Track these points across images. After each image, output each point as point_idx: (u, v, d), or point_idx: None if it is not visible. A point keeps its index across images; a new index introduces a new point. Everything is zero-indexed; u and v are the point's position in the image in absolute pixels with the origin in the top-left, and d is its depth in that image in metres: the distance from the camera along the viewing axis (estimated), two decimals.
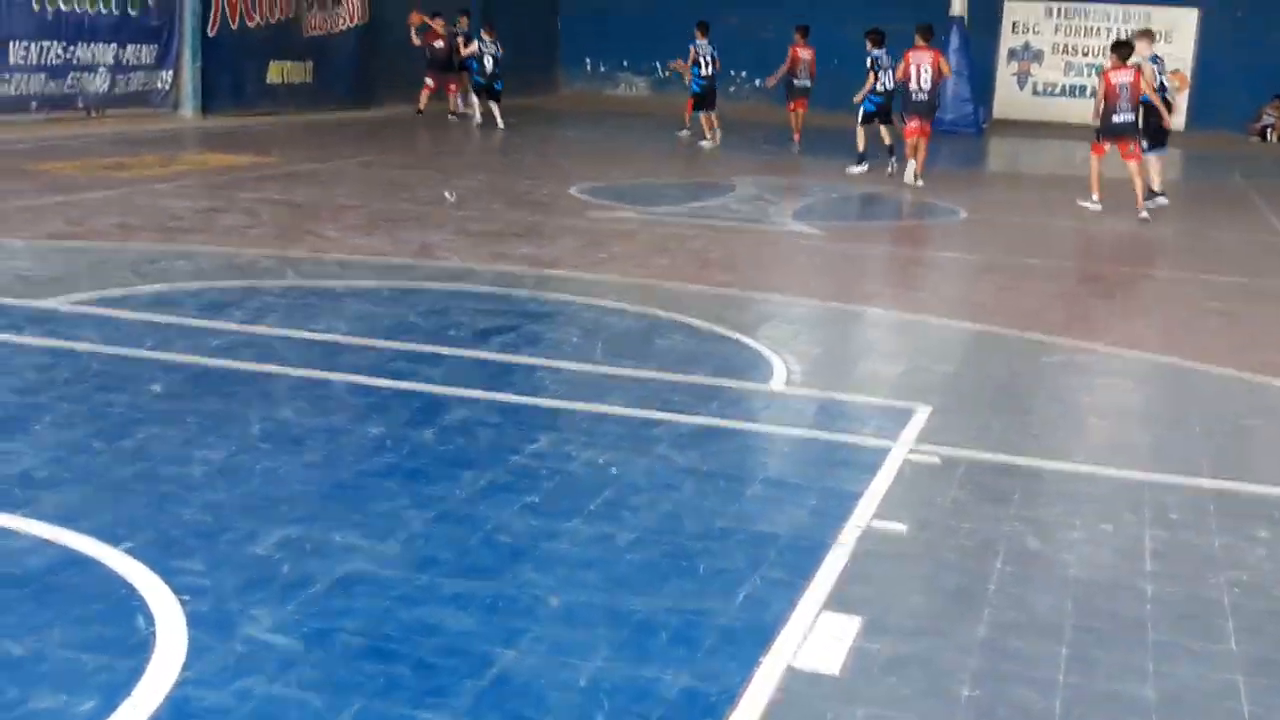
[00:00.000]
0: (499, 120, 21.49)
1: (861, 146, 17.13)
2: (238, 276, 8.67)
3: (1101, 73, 14.69)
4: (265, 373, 6.31)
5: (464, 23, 22.62)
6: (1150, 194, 14.41)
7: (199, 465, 4.95)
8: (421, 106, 22.80)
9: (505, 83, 22.30)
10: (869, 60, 17.27)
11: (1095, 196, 14.33)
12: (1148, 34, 15.55)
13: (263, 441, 5.28)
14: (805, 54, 20.08)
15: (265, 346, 6.81)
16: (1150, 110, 14.45)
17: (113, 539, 4.21)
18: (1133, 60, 14.17)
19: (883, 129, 17.32)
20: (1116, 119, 14.04)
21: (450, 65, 22.83)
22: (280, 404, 5.81)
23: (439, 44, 22.77)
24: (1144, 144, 14.43)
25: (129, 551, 4.12)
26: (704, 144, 20.19)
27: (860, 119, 17.33)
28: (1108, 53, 15.09)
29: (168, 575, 3.96)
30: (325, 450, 5.22)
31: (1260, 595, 4.34)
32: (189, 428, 5.39)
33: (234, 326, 7.18)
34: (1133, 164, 13.98)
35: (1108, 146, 14.15)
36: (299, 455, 5.14)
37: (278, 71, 21.93)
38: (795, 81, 20.19)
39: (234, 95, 20.87)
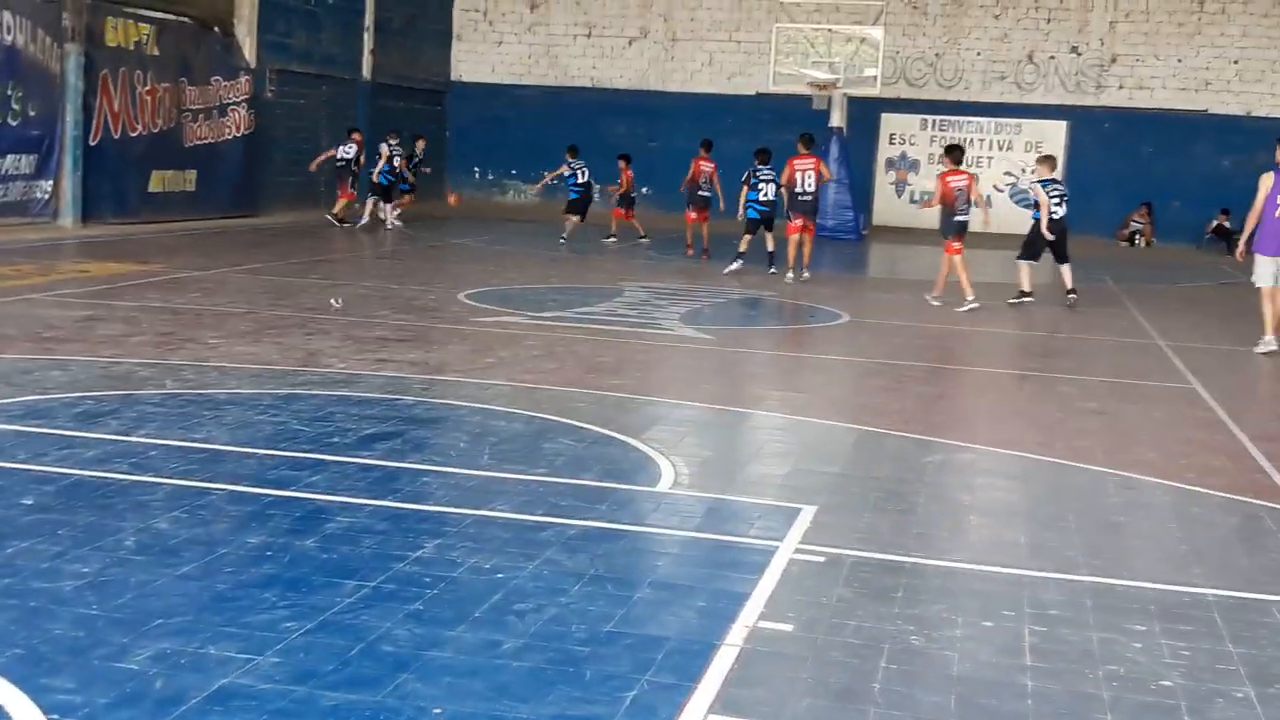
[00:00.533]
0: (387, 220, 22.92)
1: (743, 248, 18.02)
2: (115, 386, 8.50)
3: (939, 176, 16.21)
4: (141, 483, 6.17)
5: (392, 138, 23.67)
6: (1021, 294, 16.09)
7: (70, 579, 4.81)
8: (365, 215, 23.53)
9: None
10: (747, 174, 18.53)
11: (969, 297, 15.25)
12: (1049, 160, 16.65)
13: (137, 553, 5.15)
14: (707, 166, 20.70)
15: (142, 456, 6.66)
16: (1035, 223, 16.22)
17: None
18: (1031, 181, 16.01)
19: (767, 235, 18.28)
20: (959, 219, 15.68)
21: (349, 175, 23.36)
22: (156, 514, 5.67)
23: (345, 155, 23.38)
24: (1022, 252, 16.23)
25: None
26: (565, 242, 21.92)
27: (746, 227, 18.31)
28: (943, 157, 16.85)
29: (35, 694, 3.83)
30: (202, 561, 5.10)
31: (1138, 688, 4.41)
32: (61, 540, 5.24)
33: (109, 436, 7.03)
34: (956, 259, 15.57)
35: (957, 244, 15.62)
36: (175, 567, 5.01)
37: (158, 180, 21.74)
38: (699, 193, 20.67)
39: (115, 204, 20.65)
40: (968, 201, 15.59)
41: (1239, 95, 29.69)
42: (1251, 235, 13.17)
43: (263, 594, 4.77)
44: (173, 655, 4.17)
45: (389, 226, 23.07)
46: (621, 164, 23.17)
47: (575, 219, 22.25)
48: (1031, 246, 16.27)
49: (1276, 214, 12.68)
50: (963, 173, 15.87)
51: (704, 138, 21.71)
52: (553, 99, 32.25)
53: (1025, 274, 16.18)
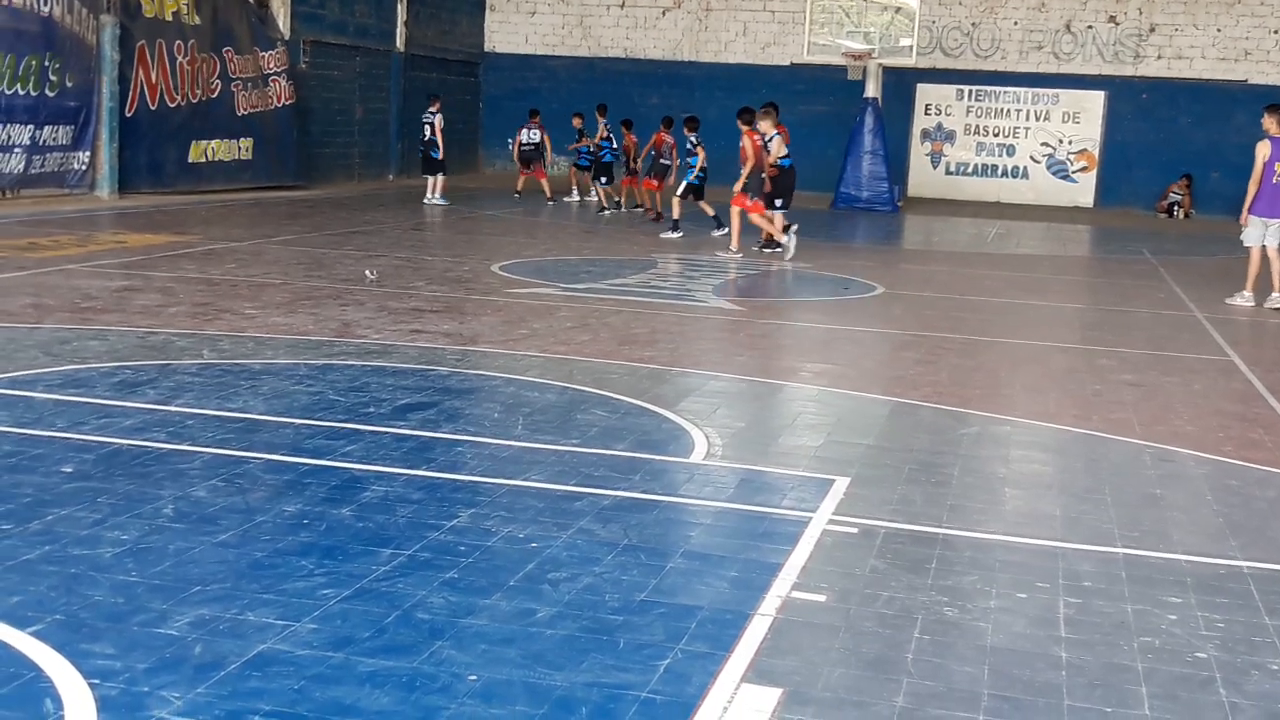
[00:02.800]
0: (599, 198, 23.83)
1: (677, 214, 19.14)
2: (152, 356, 8.57)
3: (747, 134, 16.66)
4: (179, 451, 6.23)
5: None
6: (771, 242, 16.99)
7: (110, 546, 4.87)
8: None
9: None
10: (690, 142, 19.89)
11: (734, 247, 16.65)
12: (769, 112, 17.25)
13: (176, 521, 5.20)
14: (668, 139, 22.03)
15: (179, 425, 6.72)
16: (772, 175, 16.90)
17: (20, 622, 4.12)
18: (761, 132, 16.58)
19: (701, 203, 19.61)
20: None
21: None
22: (194, 483, 5.73)
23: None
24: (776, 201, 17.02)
25: (37, 634, 4.03)
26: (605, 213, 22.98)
27: (680, 192, 19.31)
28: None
29: (76, 658, 3.88)
30: (240, 529, 5.15)
31: (1173, 660, 4.40)
32: (100, 508, 5.30)
33: (147, 406, 7.09)
34: (751, 215, 16.43)
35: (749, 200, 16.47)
36: (213, 534, 5.07)
37: (200, 151, 21.86)
38: (660, 161, 22.13)
39: (152, 175, 20.77)
40: (757, 166, 16.35)
41: (1279, 65, 29.30)
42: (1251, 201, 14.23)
43: (300, 561, 4.82)
44: (211, 621, 4.21)
45: (603, 206, 23.53)
46: (623, 129, 24.23)
47: (607, 186, 23.68)
48: (774, 193, 16.89)
49: (1274, 180, 14.05)
50: (753, 133, 16.52)
51: (665, 115, 23.42)
52: (586, 69, 32.19)
53: (779, 221, 16.86)
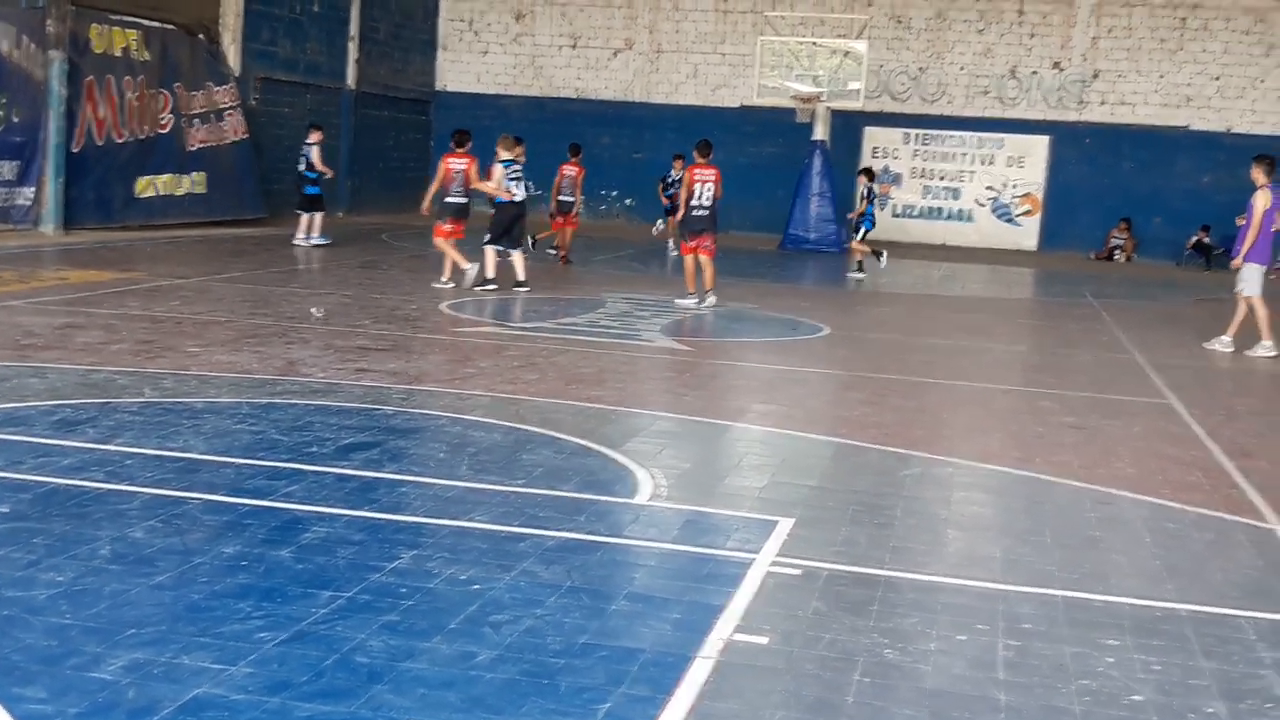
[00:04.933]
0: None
1: (860, 257, 21.19)
2: (93, 394, 8.48)
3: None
4: (117, 492, 6.16)
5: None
6: (486, 281, 16.18)
7: (44, 588, 4.80)
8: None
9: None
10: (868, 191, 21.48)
11: (445, 277, 16.20)
12: (507, 139, 16.80)
13: (112, 563, 5.14)
14: (570, 171, 20.82)
15: (118, 465, 6.65)
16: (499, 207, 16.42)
17: None
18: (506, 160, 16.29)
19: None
20: (449, 200, 16.37)
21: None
22: (132, 523, 5.66)
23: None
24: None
25: None
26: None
27: (859, 238, 21.26)
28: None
29: (9, 702, 3.82)
30: (177, 570, 5.09)
31: (1110, 703, 4.43)
32: (35, 549, 5.23)
33: (86, 445, 7.01)
34: (441, 241, 16.16)
35: (448, 226, 16.30)
36: (150, 576, 5.01)
37: (147, 185, 21.72)
38: (559, 198, 20.83)
39: (99, 210, 20.63)
40: (463, 185, 16.18)
41: (1220, 111, 29.88)
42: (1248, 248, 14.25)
43: (237, 604, 4.77)
44: (146, 665, 4.16)
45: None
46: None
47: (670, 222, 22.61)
48: (500, 230, 16.39)
49: (1273, 229, 14.15)
50: (462, 155, 16.38)
51: (572, 142, 22.01)
52: (537, 109, 32.32)
53: (490, 260, 16.34)
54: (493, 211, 16.56)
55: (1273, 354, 13.98)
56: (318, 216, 20.95)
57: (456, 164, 16.35)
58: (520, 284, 16.10)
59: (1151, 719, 4.32)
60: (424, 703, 4.03)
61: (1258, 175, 14.32)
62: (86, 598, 4.73)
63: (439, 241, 16.38)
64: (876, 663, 4.64)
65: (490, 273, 16.26)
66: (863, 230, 21.49)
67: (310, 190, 20.90)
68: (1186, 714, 4.38)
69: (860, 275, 21.55)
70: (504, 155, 16.42)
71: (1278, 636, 5.20)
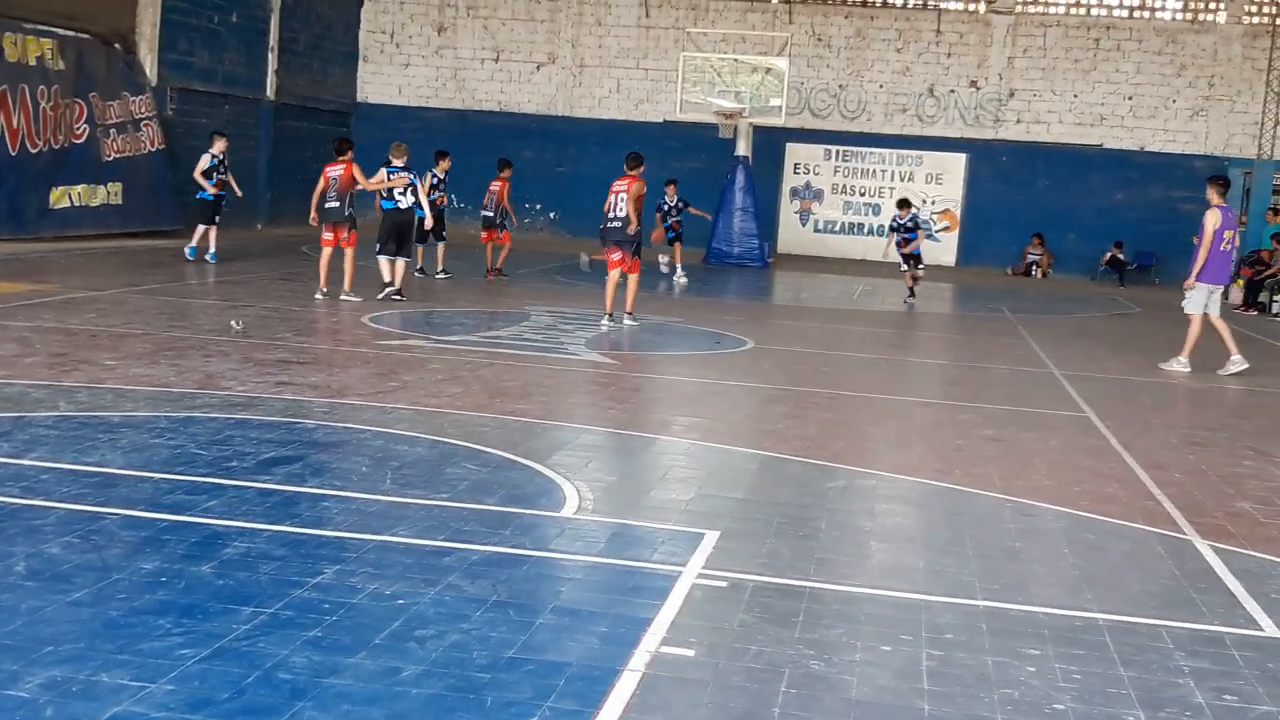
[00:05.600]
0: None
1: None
2: (6, 408, 8.30)
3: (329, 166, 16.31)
4: (32, 507, 6.03)
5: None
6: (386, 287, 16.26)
7: None
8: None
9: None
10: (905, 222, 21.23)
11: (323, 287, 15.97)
12: (400, 148, 17.02)
13: (28, 579, 5.03)
14: (494, 185, 20.48)
15: (33, 480, 6.51)
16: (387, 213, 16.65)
17: None
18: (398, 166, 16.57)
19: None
20: (327, 205, 16.13)
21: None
22: (48, 539, 5.54)
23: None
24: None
25: None
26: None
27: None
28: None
29: None
30: (95, 587, 4.99)
31: (1031, 712, 4.49)
32: None
33: (0, 459, 6.85)
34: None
35: (328, 234, 16.15)
36: (66, 593, 4.90)
37: (62, 195, 21.34)
38: (483, 213, 20.74)
39: (12, 221, 20.22)
40: (340, 190, 15.98)
41: (1132, 131, 30.51)
42: (1254, 272, 14.33)
43: (157, 621, 4.68)
44: (64, 683, 4.07)
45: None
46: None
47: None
48: (384, 236, 16.52)
49: (1222, 247, 14.24)
50: (339, 162, 16.09)
51: (500, 156, 21.52)
52: (460, 122, 32.23)
53: (385, 268, 16.43)
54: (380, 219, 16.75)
55: (1186, 370, 14.22)
56: (210, 230, 19.37)
57: (333, 171, 16.15)
58: (390, 288, 16.25)
59: None
60: (348, 719, 3.98)
61: (1211, 195, 14.55)
62: (2, 615, 4.62)
63: (324, 251, 16.23)
64: (802, 674, 4.67)
65: (386, 277, 16.38)
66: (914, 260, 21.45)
67: (202, 195, 19.39)
68: None
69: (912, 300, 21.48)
70: (394, 162, 16.65)
71: (1195, 646, 5.30)
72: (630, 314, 15.34)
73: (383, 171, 16.67)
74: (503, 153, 22.94)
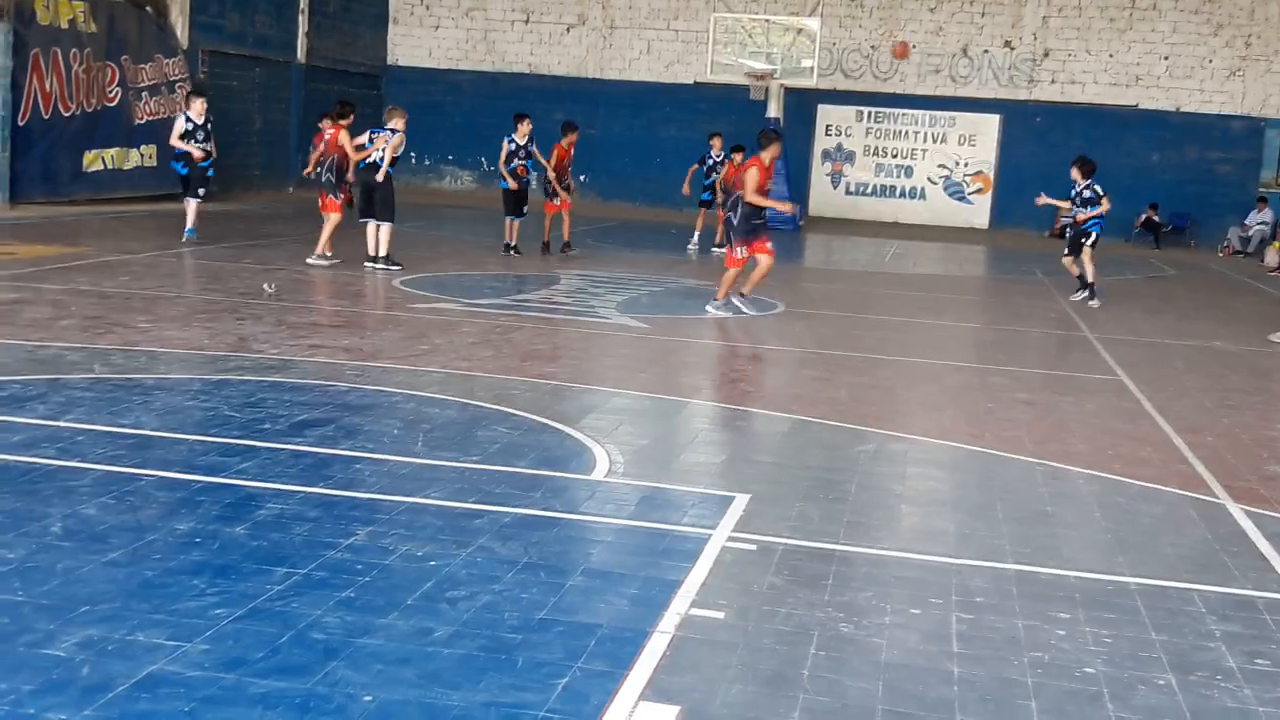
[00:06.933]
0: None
1: (1090, 277, 16.66)
2: (42, 370, 8.37)
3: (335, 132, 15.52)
4: (68, 468, 6.09)
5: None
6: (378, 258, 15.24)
7: None
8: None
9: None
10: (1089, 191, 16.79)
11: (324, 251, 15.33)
12: (395, 110, 15.93)
13: (64, 540, 5.08)
14: (557, 149, 18.36)
15: (69, 441, 6.58)
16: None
17: None
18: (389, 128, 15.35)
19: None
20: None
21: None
22: (83, 500, 5.60)
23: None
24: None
25: None
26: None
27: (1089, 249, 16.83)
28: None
29: None
30: (130, 548, 5.05)
31: (1061, 675, 4.48)
32: None
33: (36, 421, 6.93)
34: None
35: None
36: (102, 553, 4.96)
37: (95, 159, 21.43)
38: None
39: (46, 184, 20.34)
40: (321, 156, 15.42)
41: (1168, 91, 30.14)
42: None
43: (192, 581, 4.73)
44: (99, 642, 4.12)
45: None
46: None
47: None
48: (382, 205, 15.34)
49: None
50: (331, 128, 15.53)
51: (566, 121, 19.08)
52: (490, 84, 32.15)
53: (370, 234, 15.35)
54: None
55: None
56: (191, 205, 16.76)
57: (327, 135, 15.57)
58: (372, 259, 15.24)
59: (1103, 691, 4.38)
60: (380, 678, 4.02)
61: None
62: (38, 575, 4.68)
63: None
64: (832, 636, 4.68)
65: (370, 249, 15.35)
66: (1094, 237, 16.72)
67: (177, 167, 16.93)
68: (1137, 686, 4.44)
69: (1093, 301, 16.55)
70: (388, 125, 15.49)
71: (1227, 610, 5.28)
72: (742, 295, 13.69)
73: (365, 135, 15.53)
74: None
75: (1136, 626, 5.00)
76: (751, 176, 13.15)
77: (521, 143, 17.74)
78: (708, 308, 13.54)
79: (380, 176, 15.22)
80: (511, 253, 17.93)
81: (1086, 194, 16.64)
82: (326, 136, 15.72)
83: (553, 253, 18.33)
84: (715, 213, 20.08)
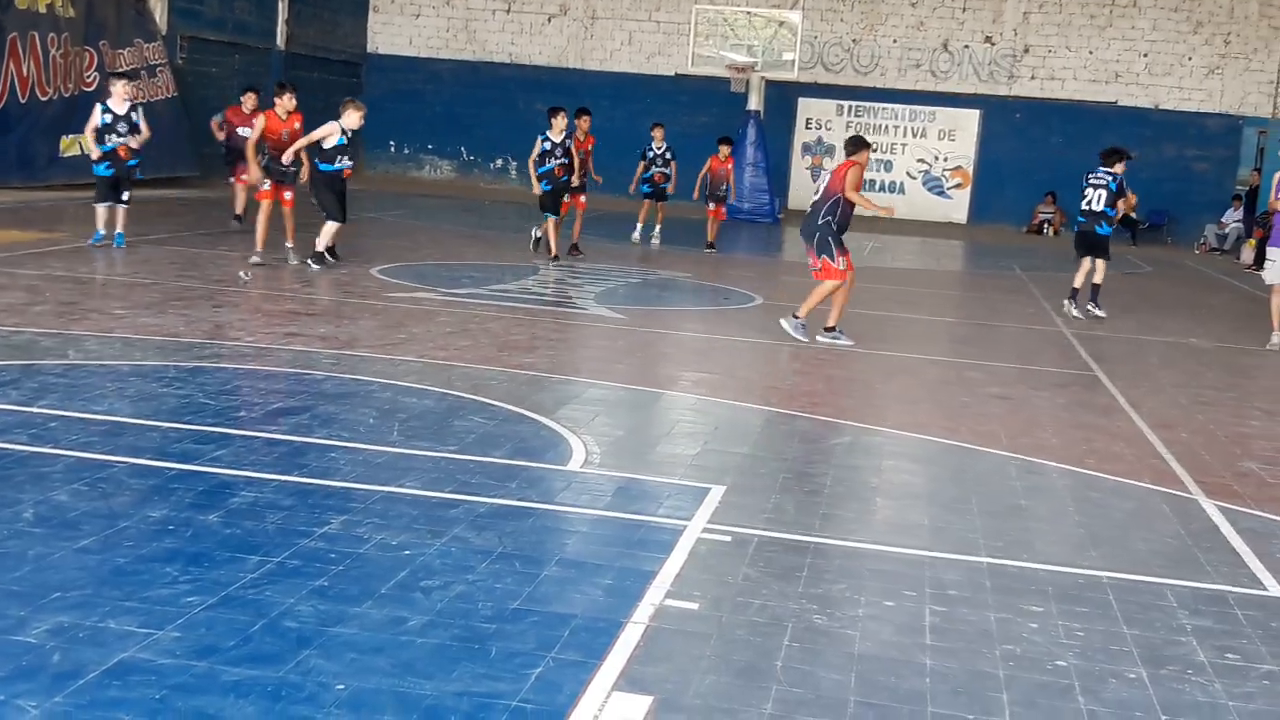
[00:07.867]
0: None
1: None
2: (15, 356, 8.32)
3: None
4: (41, 454, 6.06)
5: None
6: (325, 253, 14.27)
7: None
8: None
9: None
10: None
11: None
12: (353, 102, 14.78)
13: (36, 526, 5.06)
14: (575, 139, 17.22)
15: (41, 427, 6.54)
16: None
17: None
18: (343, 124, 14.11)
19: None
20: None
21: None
22: (56, 487, 5.57)
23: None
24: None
25: None
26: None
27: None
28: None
29: None
30: (102, 534, 5.02)
31: (1033, 668, 4.50)
32: None
33: (9, 407, 6.88)
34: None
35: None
36: (74, 540, 4.93)
37: (71, 144, 21.28)
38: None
39: (22, 170, 20.18)
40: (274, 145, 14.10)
41: (1147, 88, 30.27)
42: (1266, 232, 13.65)
43: (164, 568, 4.71)
44: (71, 629, 4.10)
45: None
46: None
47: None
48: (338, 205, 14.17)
49: None
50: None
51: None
52: (471, 73, 32.07)
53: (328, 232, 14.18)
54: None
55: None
56: (114, 211, 14.43)
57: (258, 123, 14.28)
58: (317, 255, 14.08)
59: (1074, 683, 4.40)
60: (354, 667, 4.01)
61: None
62: (9, 561, 4.66)
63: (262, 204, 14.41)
64: (805, 628, 4.69)
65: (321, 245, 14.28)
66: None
67: (100, 170, 14.54)
68: (1109, 679, 4.47)
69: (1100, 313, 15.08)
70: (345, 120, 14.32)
71: (1199, 604, 5.31)
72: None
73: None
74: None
75: (1108, 620, 5.03)
76: (854, 176, 11.62)
77: (557, 140, 16.24)
78: (820, 338, 11.59)
79: (305, 174, 14.24)
80: (552, 261, 16.32)
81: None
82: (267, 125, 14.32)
83: (563, 255, 16.79)
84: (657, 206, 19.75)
